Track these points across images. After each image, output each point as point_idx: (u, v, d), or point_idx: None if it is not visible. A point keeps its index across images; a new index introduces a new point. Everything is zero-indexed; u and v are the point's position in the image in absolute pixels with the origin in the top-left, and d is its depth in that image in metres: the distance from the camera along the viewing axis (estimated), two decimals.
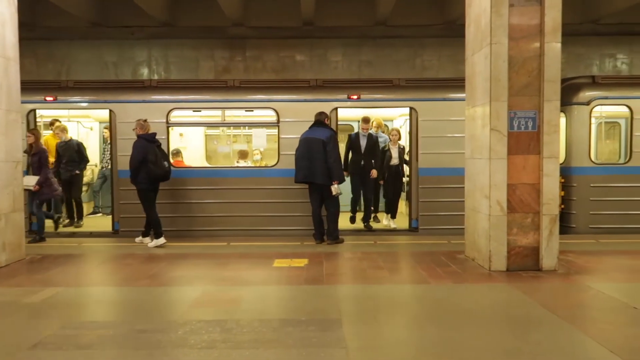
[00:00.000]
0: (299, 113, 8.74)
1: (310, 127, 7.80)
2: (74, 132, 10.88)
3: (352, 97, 8.85)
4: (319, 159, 7.44)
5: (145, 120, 7.66)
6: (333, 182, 7.44)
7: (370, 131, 9.30)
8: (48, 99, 8.82)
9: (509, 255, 5.85)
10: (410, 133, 9.02)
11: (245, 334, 3.93)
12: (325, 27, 13.36)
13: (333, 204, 7.61)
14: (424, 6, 13.13)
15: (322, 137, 7.49)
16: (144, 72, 14.24)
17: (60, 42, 13.92)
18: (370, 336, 3.92)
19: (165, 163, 7.61)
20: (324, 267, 6.14)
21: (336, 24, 13.28)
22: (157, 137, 7.70)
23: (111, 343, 3.81)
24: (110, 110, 8.77)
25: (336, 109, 8.79)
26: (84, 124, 11.10)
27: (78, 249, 7.56)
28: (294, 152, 7.89)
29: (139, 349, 3.67)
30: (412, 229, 8.91)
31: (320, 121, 7.75)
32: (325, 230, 7.71)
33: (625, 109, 8.97)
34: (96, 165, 11.21)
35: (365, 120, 9.22)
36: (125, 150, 8.68)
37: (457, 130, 8.22)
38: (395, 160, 9.28)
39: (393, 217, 9.56)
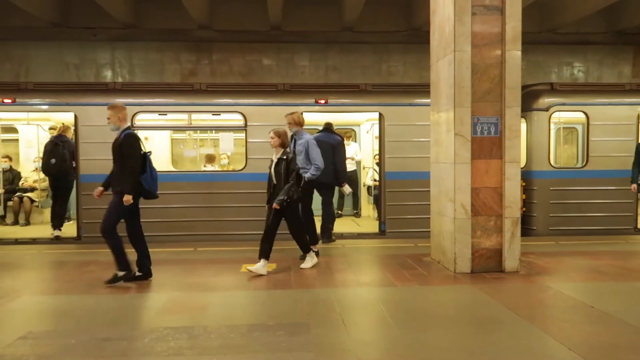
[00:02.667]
0: (266, 117, 8.73)
1: (320, 132, 8.11)
2: (34, 136, 10.56)
3: (319, 101, 8.89)
4: (327, 161, 7.63)
5: None
6: (343, 184, 7.98)
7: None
8: (6, 101, 8.53)
9: (473, 257, 5.99)
10: (379, 138, 9.11)
11: (212, 340, 3.89)
12: (293, 31, 13.42)
13: (329, 205, 8.12)
14: (390, 13, 13.36)
15: (333, 142, 7.93)
16: (108, 75, 13.96)
17: (18, 42, 13.50)
18: (338, 339, 3.94)
19: None
20: (291, 272, 6.14)
21: (303, 29, 13.35)
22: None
23: (73, 352, 3.70)
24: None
25: (302, 113, 8.78)
26: (44, 127, 10.77)
27: (39, 256, 7.32)
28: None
29: (103, 357, 3.58)
30: (381, 232, 9.01)
31: (330, 128, 8.22)
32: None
33: (582, 115, 9.33)
34: None
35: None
36: (88, 154, 8.49)
37: (423, 135, 8.38)
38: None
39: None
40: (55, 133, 9.30)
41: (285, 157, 6.14)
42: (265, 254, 5.96)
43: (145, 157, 5.65)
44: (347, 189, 8.10)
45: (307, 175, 6.68)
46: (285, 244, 7.84)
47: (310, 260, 6.36)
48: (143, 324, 4.28)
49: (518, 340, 3.87)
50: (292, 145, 6.87)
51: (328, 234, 8.05)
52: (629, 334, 4.03)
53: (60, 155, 8.76)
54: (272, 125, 8.53)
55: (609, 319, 4.36)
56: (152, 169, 5.71)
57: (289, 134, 6.81)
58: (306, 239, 6.41)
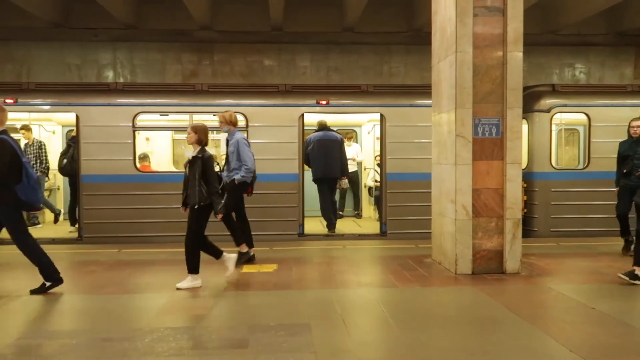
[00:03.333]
0: (267, 118, 8.74)
1: (320, 131, 9.07)
2: (36, 136, 10.55)
3: (321, 102, 8.89)
4: (336, 157, 9.02)
5: None
6: (343, 177, 9.18)
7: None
8: (8, 101, 8.54)
9: (474, 258, 5.98)
10: (380, 139, 9.12)
11: (213, 340, 3.89)
12: (294, 32, 13.41)
13: (333, 196, 9.31)
14: (391, 14, 13.34)
15: (339, 139, 9.14)
16: (109, 75, 13.96)
17: (19, 42, 13.51)
18: (339, 340, 3.94)
19: None
20: (293, 272, 6.13)
21: (304, 30, 13.35)
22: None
23: (74, 352, 3.70)
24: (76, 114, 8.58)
25: (303, 114, 8.80)
26: (45, 127, 10.79)
27: None
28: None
29: (104, 358, 3.58)
30: (382, 233, 9.00)
31: (327, 126, 9.19)
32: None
33: (583, 117, 9.31)
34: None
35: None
36: (89, 154, 8.50)
37: (424, 136, 8.37)
38: None
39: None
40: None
41: (201, 156, 5.44)
42: (195, 267, 5.42)
43: (21, 165, 4.92)
44: (345, 182, 9.36)
45: (236, 177, 6.39)
46: (285, 245, 7.85)
47: (189, 282, 5.42)
48: (143, 324, 4.28)
49: (519, 341, 3.87)
50: (225, 146, 6.63)
51: (333, 223, 9.09)
52: (630, 335, 4.02)
53: (70, 156, 9.03)
54: (273, 126, 8.59)
55: (610, 320, 4.36)
56: (29, 177, 4.97)
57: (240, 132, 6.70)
58: (198, 260, 5.49)
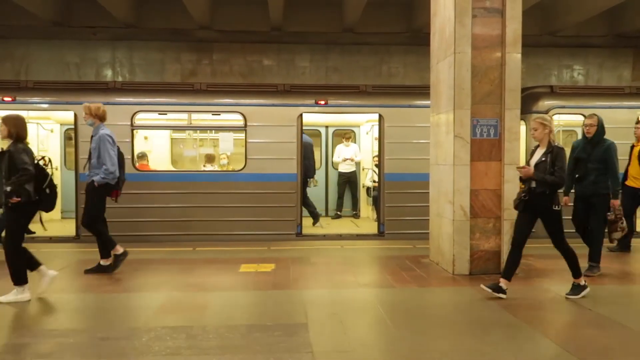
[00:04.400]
0: (266, 117, 8.74)
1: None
2: (34, 134, 10.54)
3: (319, 102, 8.89)
4: (311, 158, 9.72)
5: None
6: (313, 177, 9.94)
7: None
8: (6, 99, 8.53)
9: (471, 259, 5.99)
10: (379, 139, 9.12)
11: (211, 340, 3.89)
12: (293, 32, 13.42)
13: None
14: (391, 14, 13.36)
15: (311, 142, 9.77)
16: (108, 74, 13.96)
17: (19, 41, 13.51)
18: (337, 340, 3.95)
19: None
20: (290, 272, 6.13)
21: (304, 30, 13.36)
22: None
23: (71, 351, 3.70)
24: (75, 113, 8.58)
25: (301, 114, 8.80)
26: (44, 125, 10.78)
27: (36, 254, 7.29)
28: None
29: (101, 357, 3.58)
30: (380, 234, 9.00)
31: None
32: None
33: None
34: (57, 169, 10.89)
35: None
36: (87, 153, 8.48)
37: (422, 137, 8.37)
38: None
39: None
40: None
41: (9, 150, 4.76)
42: (20, 277, 4.79)
43: None
44: (316, 181, 10.36)
45: (95, 179, 5.80)
46: (282, 244, 7.86)
47: (14, 295, 4.83)
48: (141, 324, 4.28)
49: (516, 343, 3.87)
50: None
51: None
52: (627, 337, 4.03)
53: None
54: (271, 126, 8.58)
55: (608, 322, 4.37)
56: None
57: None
58: (22, 268, 4.92)
